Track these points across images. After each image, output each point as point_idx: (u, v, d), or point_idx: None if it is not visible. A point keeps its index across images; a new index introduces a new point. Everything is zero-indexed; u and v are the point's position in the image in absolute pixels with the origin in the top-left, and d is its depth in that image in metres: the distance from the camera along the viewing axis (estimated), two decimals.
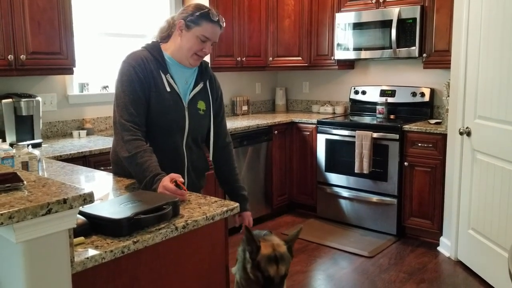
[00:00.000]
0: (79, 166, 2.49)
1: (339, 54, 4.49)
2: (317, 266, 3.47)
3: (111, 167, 2.18)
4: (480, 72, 3.16)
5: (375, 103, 4.51)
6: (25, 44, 2.94)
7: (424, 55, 3.99)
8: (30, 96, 3.12)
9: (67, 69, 3.22)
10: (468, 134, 3.30)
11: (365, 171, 4.01)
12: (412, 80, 4.45)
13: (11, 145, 2.69)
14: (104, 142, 3.23)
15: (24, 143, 2.84)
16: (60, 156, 2.82)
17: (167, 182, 1.71)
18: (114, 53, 3.84)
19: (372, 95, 4.61)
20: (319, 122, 4.39)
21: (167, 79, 1.96)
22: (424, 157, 3.78)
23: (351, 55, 4.42)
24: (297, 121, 4.57)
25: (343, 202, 4.29)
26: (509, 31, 2.83)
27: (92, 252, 1.28)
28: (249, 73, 5.10)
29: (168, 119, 1.95)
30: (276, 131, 4.43)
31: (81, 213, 1.41)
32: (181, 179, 1.74)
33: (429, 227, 3.82)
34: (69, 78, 3.58)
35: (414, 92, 4.34)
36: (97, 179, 2.19)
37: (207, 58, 4.12)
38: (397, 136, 3.89)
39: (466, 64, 3.32)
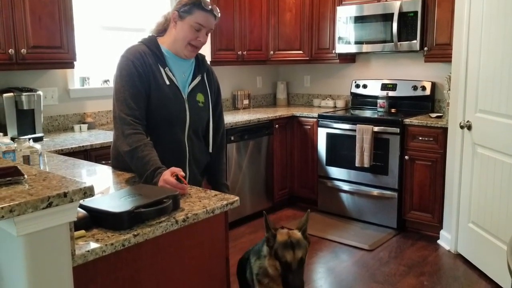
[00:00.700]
0: (80, 160, 2.50)
1: (340, 48, 4.48)
2: (318, 259, 3.49)
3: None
4: (481, 66, 3.15)
5: (376, 97, 4.51)
6: (26, 38, 2.94)
7: (425, 48, 3.98)
8: (31, 90, 3.13)
9: (68, 63, 3.22)
10: (469, 128, 3.29)
11: (366, 165, 4.01)
12: (413, 74, 4.44)
13: (12, 139, 2.70)
14: (105, 136, 3.24)
15: (25, 137, 2.85)
16: (62, 150, 2.83)
17: (167, 176, 1.72)
18: (115, 47, 3.84)
19: (373, 89, 4.61)
20: (320, 116, 4.39)
21: (165, 73, 1.97)
22: (424, 150, 3.79)
23: (352, 48, 4.41)
24: (298, 115, 4.57)
25: (344, 196, 4.30)
26: (511, 25, 2.82)
27: (93, 245, 1.29)
28: (250, 67, 5.09)
29: (169, 111, 1.96)
30: (277, 125, 4.43)
31: (82, 206, 1.42)
32: (182, 173, 1.75)
33: (430, 220, 3.83)
34: (70, 72, 3.58)
35: (415, 86, 4.33)
36: (98, 173, 2.20)
37: (207, 52, 4.12)
38: (397, 130, 3.89)
39: (467, 57, 3.31)
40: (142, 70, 1.92)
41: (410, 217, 3.95)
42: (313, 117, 4.45)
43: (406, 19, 4.01)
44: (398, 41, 4.06)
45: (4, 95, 3.00)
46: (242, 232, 3.99)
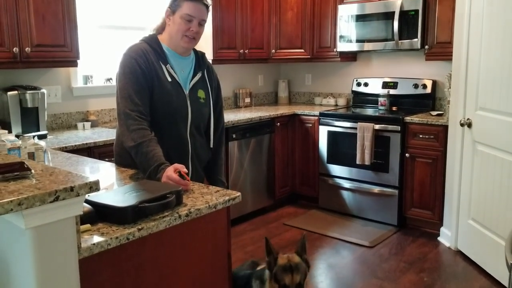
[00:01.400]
0: (84, 157, 2.54)
1: (342, 46, 4.51)
2: (319, 255, 3.52)
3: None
4: (481, 64, 3.18)
5: (377, 95, 4.54)
6: (30, 37, 2.97)
7: (426, 47, 4.00)
8: (35, 88, 3.16)
9: (71, 62, 3.26)
10: (469, 125, 3.32)
11: (367, 162, 4.04)
12: (414, 72, 4.46)
13: (17, 136, 2.73)
14: (108, 134, 3.27)
15: (30, 134, 2.88)
16: (65, 147, 2.87)
17: (171, 172, 1.75)
18: (118, 45, 3.87)
19: (374, 87, 4.63)
20: (321, 114, 4.42)
21: (167, 69, 2.01)
22: (425, 148, 3.81)
23: (354, 47, 4.43)
24: (299, 113, 4.59)
25: (345, 193, 4.32)
26: (511, 23, 2.84)
27: (98, 238, 1.32)
28: (251, 65, 5.12)
29: (172, 107, 2.00)
30: (278, 123, 4.46)
31: (87, 201, 1.45)
32: (185, 170, 1.78)
33: (430, 217, 3.86)
34: (73, 71, 3.62)
35: (416, 84, 4.35)
36: (102, 170, 2.23)
37: (209, 50, 4.15)
38: (398, 128, 3.91)
39: (467, 55, 3.34)
40: (145, 67, 1.95)
41: (410, 214, 3.98)
42: (314, 115, 4.48)
43: (407, 17, 4.03)
44: (399, 40, 4.09)
45: (9, 93, 3.04)
46: (243, 229, 4.02)
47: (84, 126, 3.53)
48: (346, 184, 4.30)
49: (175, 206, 1.56)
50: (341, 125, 4.27)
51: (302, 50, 4.80)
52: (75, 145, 2.93)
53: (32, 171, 1.30)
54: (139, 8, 4.11)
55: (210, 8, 2.09)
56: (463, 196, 3.42)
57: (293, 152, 4.66)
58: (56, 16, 3.09)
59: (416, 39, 4.00)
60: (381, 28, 4.21)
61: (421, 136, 3.82)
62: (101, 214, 1.45)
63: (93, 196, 1.47)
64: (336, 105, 4.92)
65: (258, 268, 2.19)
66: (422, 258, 3.42)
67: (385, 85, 4.56)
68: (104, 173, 2.17)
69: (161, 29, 2.09)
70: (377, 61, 4.74)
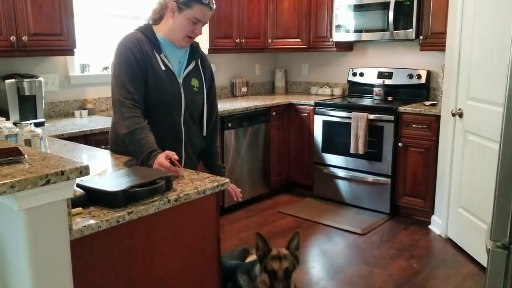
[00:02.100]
0: (80, 144, 2.59)
1: (338, 36, 4.54)
2: (312, 242, 3.59)
3: None
4: (473, 55, 3.21)
5: (373, 85, 4.58)
6: (26, 25, 3.01)
7: (421, 37, 4.03)
8: (32, 76, 3.21)
9: (68, 50, 3.30)
10: (460, 115, 3.37)
11: (361, 151, 4.09)
12: (409, 62, 4.49)
13: (15, 124, 2.78)
14: (105, 122, 3.32)
15: (27, 122, 2.94)
16: (62, 135, 2.92)
17: (162, 159, 1.80)
18: (114, 34, 3.90)
19: (370, 77, 4.67)
20: (317, 104, 4.46)
21: (161, 59, 2.05)
22: (418, 138, 3.86)
23: (350, 37, 4.46)
24: (295, 102, 4.64)
25: (339, 182, 4.38)
26: (501, 14, 2.87)
27: (89, 221, 1.38)
28: (248, 55, 5.15)
29: (166, 96, 2.05)
30: (274, 113, 4.50)
31: (79, 186, 1.50)
32: (176, 157, 1.83)
33: (422, 206, 3.92)
34: (70, 59, 3.66)
35: (410, 74, 4.39)
36: (97, 157, 2.29)
37: (205, 40, 4.18)
38: (392, 118, 3.96)
39: (460, 46, 3.37)
40: (139, 56, 2.00)
41: (402, 203, 4.04)
42: (309, 105, 4.52)
43: (402, 7, 4.06)
44: (394, 30, 4.12)
45: (6, 81, 3.09)
46: (239, 216, 4.09)
47: (81, 114, 3.58)
48: (340, 173, 4.36)
49: (165, 191, 1.62)
50: (336, 115, 4.32)
51: (299, 40, 4.83)
52: (72, 133, 2.99)
53: (26, 156, 1.35)
54: None
55: None
56: (454, 185, 3.48)
57: (288, 141, 4.71)
58: (52, 5, 3.13)
59: (411, 30, 4.03)
60: (377, 19, 4.24)
61: (414, 126, 3.87)
62: (92, 199, 1.50)
63: (86, 181, 1.53)
64: (332, 94, 4.96)
65: (247, 260, 2.25)
66: (412, 246, 3.49)
67: (380, 75, 4.59)
68: (99, 159, 2.23)
69: (158, 18, 2.11)
70: (373, 51, 4.78)
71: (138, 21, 3.96)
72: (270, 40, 4.88)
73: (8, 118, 3.05)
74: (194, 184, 1.73)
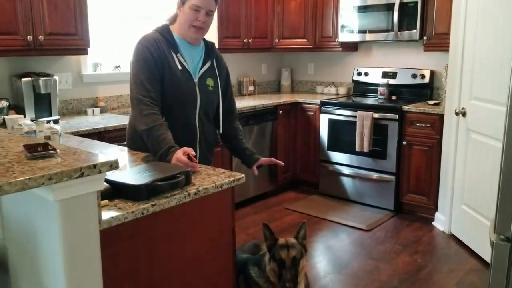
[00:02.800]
0: (96, 141, 2.68)
1: (343, 36, 4.62)
2: (318, 238, 3.68)
3: (125, 143, 2.37)
4: (476, 55, 3.29)
5: (377, 85, 4.66)
6: (43, 25, 3.10)
7: (425, 38, 4.11)
8: (47, 75, 3.30)
9: (82, 50, 3.39)
10: (464, 114, 3.45)
11: (366, 149, 4.18)
12: (413, 62, 4.57)
13: (31, 121, 2.88)
14: (117, 120, 3.41)
15: (43, 119, 3.03)
16: (77, 132, 3.01)
17: (180, 154, 1.89)
18: (126, 34, 3.99)
19: (374, 76, 4.75)
20: (323, 103, 4.55)
21: (178, 58, 2.13)
22: (422, 136, 3.94)
23: (355, 37, 4.54)
24: (301, 101, 4.72)
25: (344, 179, 4.47)
26: (504, 15, 2.95)
27: (115, 212, 1.47)
28: (255, 54, 5.23)
29: (181, 94, 2.13)
30: (281, 111, 4.59)
31: (104, 180, 1.59)
32: (193, 153, 1.92)
33: (425, 203, 4.01)
34: (83, 58, 3.74)
35: (414, 74, 4.47)
36: (114, 153, 2.37)
37: (214, 39, 4.26)
38: (396, 116, 4.04)
39: (463, 46, 3.45)
40: (156, 56, 2.08)
41: (407, 200, 4.13)
42: (315, 104, 4.61)
43: (407, 8, 4.14)
44: (399, 31, 4.19)
45: (23, 79, 3.18)
46: (246, 213, 4.18)
47: (93, 112, 3.67)
48: (345, 170, 4.45)
49: (184, 185, 1.71)
50: (341, 114, 4.40)
51: (305, 40, 4.91)
52: (87, 130, 3.08)
53: (58, 150, 1.44)
54: None
55: None
56: (457, 182, 3.56)
57: (294, 139, 4.79)
58: (67, 5, 3.22)
59: (415, 31, 4.11)
60: (381, 19, 4.32)
61: (418, 124, 3.96)
62: (117, 192, 1.59)
63: (109, 175, 1.62)
64: (337, 94, 5.04)
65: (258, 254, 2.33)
66: (416, 241, 3.57)
67: (385, 75, 4.67)
68: (116, 155, 2.30)
69: (174, 19, 2.21)
70: (377, 51, 4.86)
71: (148, 21, 4.05)
72: (276, 40, 4.97)
73: (24, 116, 3.15)
74: (211, 179, 1.82)
